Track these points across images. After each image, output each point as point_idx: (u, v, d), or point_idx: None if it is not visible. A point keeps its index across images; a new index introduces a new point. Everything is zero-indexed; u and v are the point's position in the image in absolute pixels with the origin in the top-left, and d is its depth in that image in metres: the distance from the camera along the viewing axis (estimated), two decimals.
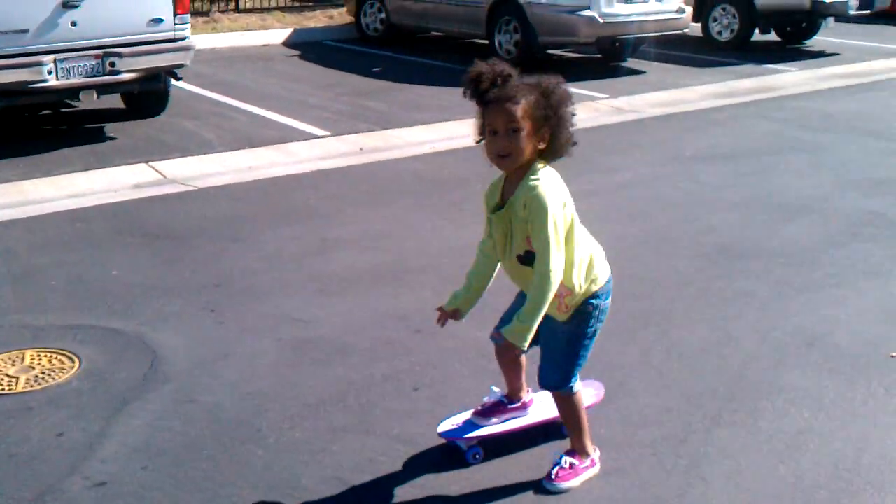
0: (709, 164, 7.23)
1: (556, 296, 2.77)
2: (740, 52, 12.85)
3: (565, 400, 3.04)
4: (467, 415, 3.23)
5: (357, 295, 4.70)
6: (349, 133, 8.31)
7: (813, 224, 5.72)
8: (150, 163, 7.32)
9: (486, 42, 11.96)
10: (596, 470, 3.09)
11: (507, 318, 3.03)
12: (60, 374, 3.88)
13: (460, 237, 5.32)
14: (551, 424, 3.27)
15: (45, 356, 4.04)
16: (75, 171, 7.02)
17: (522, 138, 2.70)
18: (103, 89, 7.80)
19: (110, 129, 8.33)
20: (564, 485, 3.01)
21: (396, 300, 4.60)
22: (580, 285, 2.83)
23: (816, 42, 13.74)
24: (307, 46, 13.26)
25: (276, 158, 7.56)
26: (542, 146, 2.74)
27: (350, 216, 5.99)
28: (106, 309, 4.54)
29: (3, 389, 3.77)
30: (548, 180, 2.74)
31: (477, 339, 3.73)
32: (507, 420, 3.24)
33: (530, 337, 2.77)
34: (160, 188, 6.70)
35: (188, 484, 3.09)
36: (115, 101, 8.68)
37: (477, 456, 3.17)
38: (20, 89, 7.40)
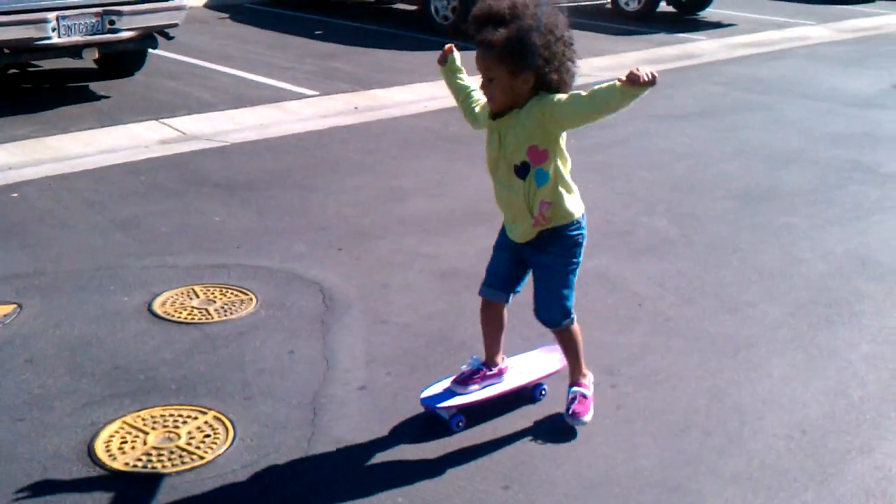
0: (686, 121, 8.04)
1: (537, 211, 2.92)
2: (646, 21, 13.83)
3: (568, 331, 3.15)
4: (447, 383, 3.28)
5: (458, 234, 5.20)
6: (335, 93, 8.66)
7: (805, 171, 6.61)
8: (162, 120, 7.48)
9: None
10: (593, 388, 3.28)
11: (495, 275, 3.20)
12: (245, 306, 4.22)
13: None
14: (524, 389, 3.39)
15: (216, 290, 4.36)
16: (92, 129, 7.12)
17: (499, 85, 2.76)
18: (103, 47, 7.85)
19: (96, 87, 8.36)
20: (585, 417, 3.16)
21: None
22: (561, 201, 2.93)
23: (710, 14, 14.89)
24: (231, 9, 13.39)
25: (281, 116, 7.85)
26: (526, 86, 2.77)
27: (396, 168, 6.43)
28: (236, 250, 4.85)
29: (203, 319, 4.09)
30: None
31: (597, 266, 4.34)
32: (486, 387, 3.29)
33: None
34: (189, 144, 6.92)
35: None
36: (82, 62, 8.67)
37: (460, 423, 3.18)
38: (26, 46, 7.40)
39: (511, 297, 3.24)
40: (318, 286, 4.42)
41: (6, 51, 7.33)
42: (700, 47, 12.01)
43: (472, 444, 3.18)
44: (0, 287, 4.33)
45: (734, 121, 8.04)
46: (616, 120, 8.02)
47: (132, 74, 8.94)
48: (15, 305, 4.13)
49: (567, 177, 2.96)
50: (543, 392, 3.43)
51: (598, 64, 10.54)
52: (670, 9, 14.87)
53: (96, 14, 7.57)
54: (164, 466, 3.03)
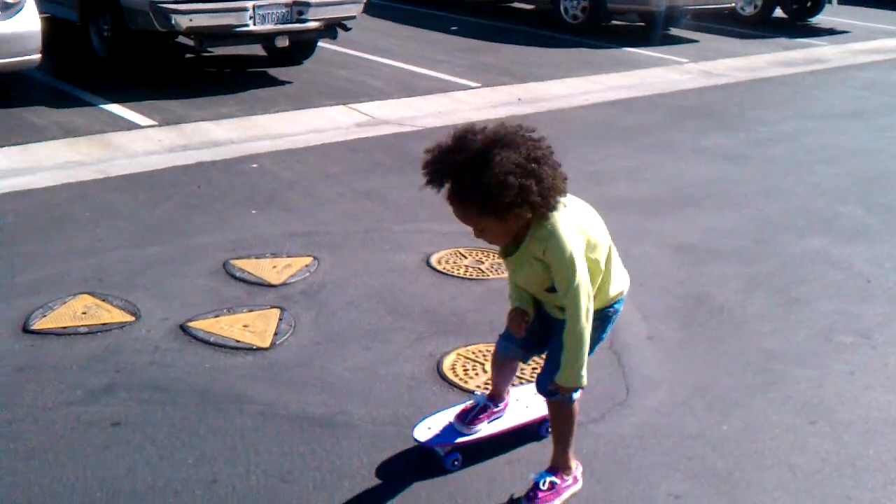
0: (841, 121, 8.41)
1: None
2: (763, 26, 14.17)
3: (562, 408, 2.80)
4: (449, 417, 3.06)
5: (673, 213, 5.63)
6: (496, 85, 9.16)
7: None
8: (349, 105, 8.03)
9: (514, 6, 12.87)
10: (578, 487, 2.88)
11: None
12: None
13: (704, 174, 6.47)
14: (528, 426, 3.16)
15: (480, 253, 4.85)
16: (289, 110, 7.68)
17: (491, 233, 2.52)
18: (293, 35, 8.44)
19: (275, 73, 8.95)
20: None
21: (715, 218, 5.59)
22: (600, 300, 2.69)
23: (821, 20, 15.18)
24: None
25: (453, 105, 8.37)
26: (522, 220, 2.47)
27: (586, 155, 6.89)
28: None
29: (479, 276, 4.59)
30: (559, 227, 2.50)
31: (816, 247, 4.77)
32: (489, 421, 3.08)
33: (585, 374, 2.64)
34: (384, 127, 7.45)
35: None
36: (254, 49, 9.27)
37: (455, 462, 2.97)
38: (226, 33, 8.02)
39: (528, 359, 3.08)
40: None
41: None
42: (823, 52, 12.32)
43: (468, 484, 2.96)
44: (287, 242, 4.85)
45: (890, 122, 8.38)
46: (772, 118, 8.51)
47: (301, 63, 9.51)
48: (311, 258, 4.67)
49: (603, 267, 2.67)
50: (550, 429, 3.04)
51: (732, 65, 10.94)
52: (784, 15, 15.14)
53: (287, 4, 8.17)
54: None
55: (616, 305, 2.79)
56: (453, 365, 3.68)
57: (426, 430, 3.00)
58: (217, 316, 3.98)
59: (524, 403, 3.17)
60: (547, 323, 2.81)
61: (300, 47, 9.34)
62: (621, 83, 9.64)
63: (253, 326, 3.89)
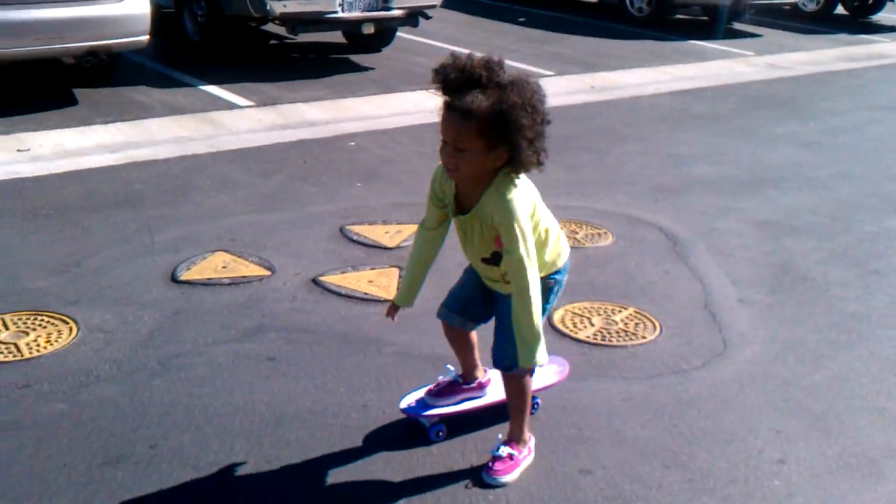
0: None
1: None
2: (825, 22, 14.33)
3: (518, 380, 2.84)
4: (422, 392, 3.15)
5: (753, 193, 5.94)
6: (568, 74, 9.49)
7: None
8: (430, 91, 8.38)
9: None
10: (531, 459, 2.95)
11: (454, 296, 3.00)
12: (604, 238, 5.06)
13: (779, 158, 6.77)
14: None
15: (574, 224, 5.20)
16: (375, 94, 8.07)
17: (469, 158, 2.47)
18: (378, 22, 8.84)
19: (357, 60, 9.36)
20: (504, 478, 2.84)
21: (794, 198, 5.89)
22: (539, 268, 2.65)
23: (882, 17, 15.28)
24: None
25: None
26: (499, 162, 2.49)
27: (665, 139, 7.19)
28: (567, 196, 5.71)
29: (576, 244, 4.95)
30: (515, 191, 2.53)
31: None
32: (462, 401, 3.13)
33: (543, 349, 2.66)
34: None
35: None
36: (334, 37, 9.69)
37: (440, 433, 3.05)
38: (317, 19, 8.44)
39: (476, 326, 3.04)
40: (656, 226, 5.25)
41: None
42: (886, 48, 12.51)
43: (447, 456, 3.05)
44: (394, 211, 5.25)
45: None
46: (840, 108, 8.76)
47: (380, 50, 9.91)
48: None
49: (545, 239, 2.70)
50: (536, 405, 3.22)
51: (796, 58, 11.17)
52: (845, 12, 15.28)
53: None
54: (610, 340, 3.89)
55: (556, 276, 2.80)
56: (563, 318, 4.05)
57: (408, 400, 3.14)
58: (343, 272, 4.39)
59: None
60: (491, 295, 2.84)
61: (381, 35, 9.73)
62: (690, 74, 9.93)
63: (377, 282, 4.29)
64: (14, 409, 3.17)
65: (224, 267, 4.36)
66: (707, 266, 4.68)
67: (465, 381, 3.14)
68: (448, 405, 3.10)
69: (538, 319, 2.61)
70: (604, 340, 3.86)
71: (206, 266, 4.37)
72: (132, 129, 6.60)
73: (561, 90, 8.79)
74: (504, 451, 2.88)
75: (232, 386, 3.40)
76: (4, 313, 3.83)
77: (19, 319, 3.79)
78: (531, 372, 2.83)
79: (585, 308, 4.15)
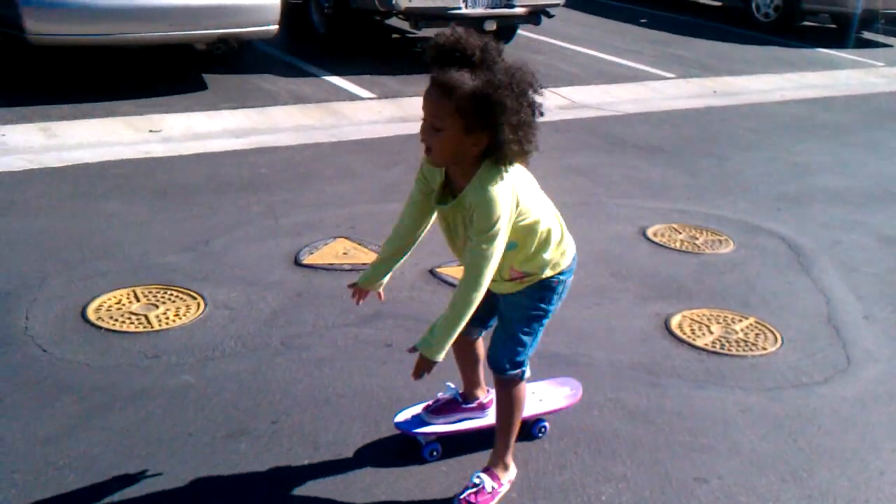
0: None
1: (508, 276, 2.56)
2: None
3: (510, 386, 2.68)
4: (419, 408, 2.99)
5: (881, 209, 5.78)
6: (689, 77, 9.33)
7: None
8: (549, 89, 8.34)
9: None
10: (507, 487, 2.76)
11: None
12: (725, 245, 4.97)
13: None
14: (522, 424, 2.91)
15: (693, 230, 5.12)
16: None
17: (443, 138, 2.30)
18: (501, 20, 8.86)
19: None
20: None
21: None
22: (537, 265, 2.55)
23: None
24: None
25: (649, 94, 8.60)
26: (476, 148, 2.32)
27: (788, 147, 7.03)
28: (686, 199, 5.61)
29: (695, 250, 4.88)
30: (500, 184, 2.35)
31: None
32: (460, 420, 2.98)
33: (447, 348, 2.45)
34: (584, 111, 7.77)
35: None
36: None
37: (434, 453, 2.91)
38: (440, 14, 8.50)
39: (482, 332, 2.88)
40: (778, 236, 5.13)
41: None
42: None
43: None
44: None
45: None
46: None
47: None
48: None
49: (546, 238, 2.54)
50: (543, 430, 3.06)
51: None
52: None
53: None
54: (729, 349, 3.82)
55: (561, 276, 2.61)
56: (680, 324, 4.00)
57: (404, 416, 2.99)
58: (459, 265, 4.42)
59: (538, 396, 3.06)
60: (491, 295, 2.61)
61: (502, 32, 9.73)
62: (816, 82, 9.65)
63: None
64: (143, 378, 3.31)
65: (345, 253, 4.46)
66: (831, 279, 4.56)
67: (464, 400, 3.02)
68: (442, 424, 2.96)
69: (465, 319, 2.41)
70: (722, 349, 3.81)
71: (327, 251, 4.48)
72: (258, 116, 6.79)
73: (682, 93, 8.67)
74: (483, 479, 2.70)
75: (350, 369, 3.47)
76: (136, 286, 3.99)
77: (150, 293, 3.95)
78: (521, 376, 2.69)
79: (704, 315, 4.10)
